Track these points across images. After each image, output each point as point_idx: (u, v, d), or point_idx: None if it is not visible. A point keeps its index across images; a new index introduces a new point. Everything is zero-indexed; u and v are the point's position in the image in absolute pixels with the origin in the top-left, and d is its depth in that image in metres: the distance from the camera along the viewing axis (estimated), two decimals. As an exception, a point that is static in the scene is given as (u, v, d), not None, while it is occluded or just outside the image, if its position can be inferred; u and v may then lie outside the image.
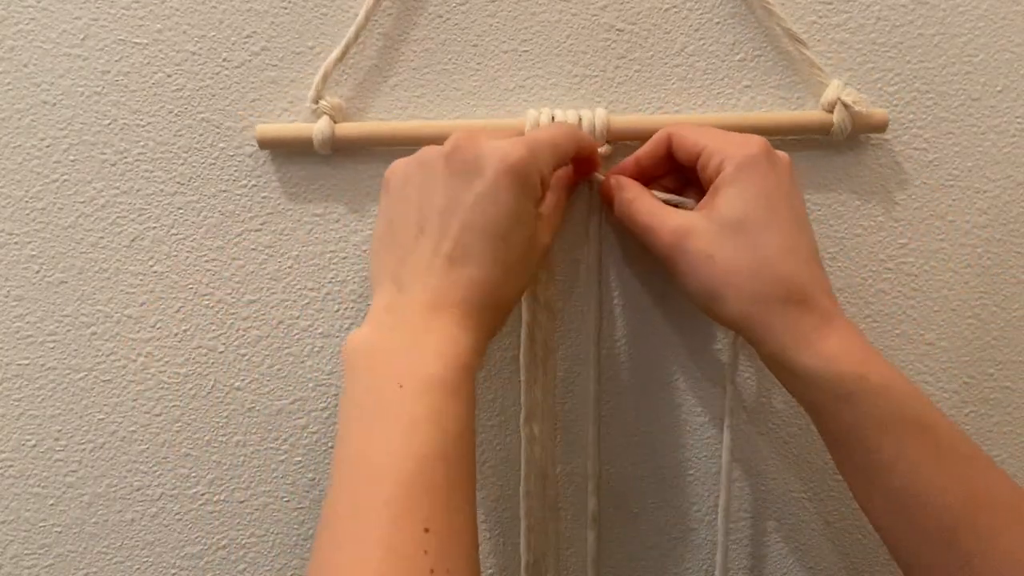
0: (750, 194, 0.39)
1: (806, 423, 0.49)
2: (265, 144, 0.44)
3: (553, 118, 0.43)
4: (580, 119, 0.43)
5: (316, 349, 0.47)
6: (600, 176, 0.44)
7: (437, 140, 0.44)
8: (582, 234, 0.46)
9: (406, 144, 0.45)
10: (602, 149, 0.44)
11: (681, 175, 0.44)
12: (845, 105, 0.44)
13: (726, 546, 0.47)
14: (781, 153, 0.40)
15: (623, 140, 0.45)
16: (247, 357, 0.47)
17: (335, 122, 0.44)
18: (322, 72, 0.44)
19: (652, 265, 0.47)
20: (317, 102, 0.44)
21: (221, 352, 0.47)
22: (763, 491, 0.49)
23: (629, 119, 0.44)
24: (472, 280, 0.36)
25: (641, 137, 0.44)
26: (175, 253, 0.46)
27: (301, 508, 0.48)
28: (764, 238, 0.38)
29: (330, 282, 0.47)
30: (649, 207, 0.41)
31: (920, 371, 0.48)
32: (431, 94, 0.45)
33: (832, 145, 0.46)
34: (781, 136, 0.45)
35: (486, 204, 0.36)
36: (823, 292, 0.39)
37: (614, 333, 0.47)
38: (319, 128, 0.43)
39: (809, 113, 0.45)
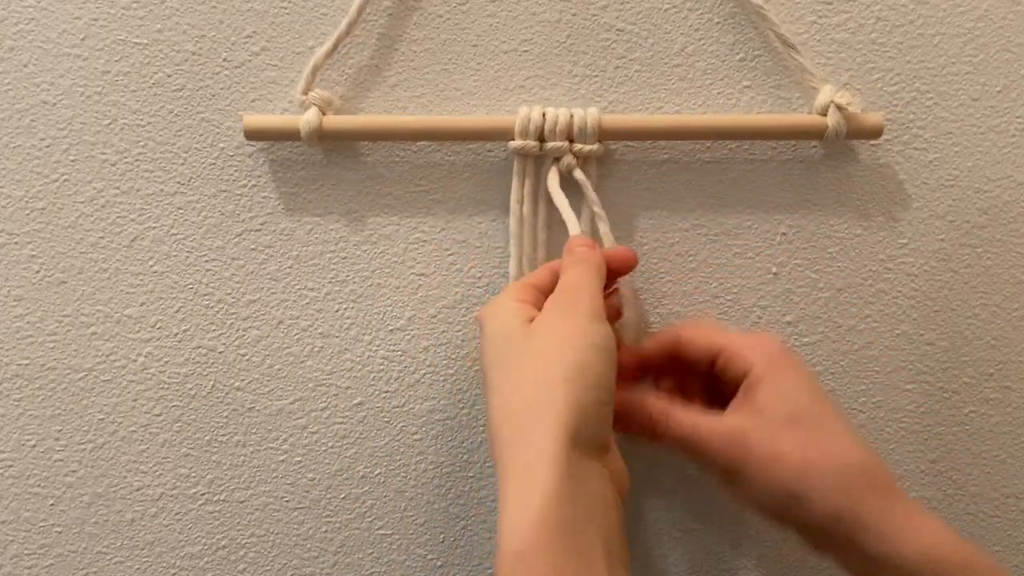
0: (791, 386, 0.38)
1: (806, 423, 0.49)
2: (251, 135, 0.44)
3: (545, 115, 0.43)
4: (572, 116, 0.43)
5: (316, 349, 0.47)
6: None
7: (425, 135, 0.44)
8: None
9: (395, 138, 0.45)
10: (594, 147, 0.44)
11: (678, 375, 0.43)
12: (839, 107, 0.43)
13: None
14: (795, 351, 0.41)
15: (614, 140, 0.45)
16: (247, 357, 0.47)
17: (323, 114, 0.44)
18: (311, 65, 0.44)
19: (651, 266, 0.47)
20: (306, 94, 0.44)
21: (221, 352, 0.47)
22: (763, 491, 0.49)
23: (620, 118, 0.44)
24: (493, 415, 0.35)
25: (632, 136, 0.44)
26: (175, 253, 0.46)
27: (301, 508, 0.48)
28: (824, 427, 0.37)
29: (330, 282, 0.47)
30: (691, 417, 0.38)
31: (920, 371, 0.48)
32: (431, 93, 0.45)
33: (833, 144, 0.46)
34: (775, 140, 0.45)
35: (480, 349, 0.38)
36: (892, 476, 0.37)
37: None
38: (306, 119, 0.43)
39: (803, 117, 0.45)
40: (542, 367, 0.34)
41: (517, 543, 0.31)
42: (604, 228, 0.43)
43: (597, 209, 0.44)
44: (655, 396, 0.40)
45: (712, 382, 0.42)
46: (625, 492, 0.37)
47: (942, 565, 0.34)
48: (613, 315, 0.43)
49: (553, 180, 0.44)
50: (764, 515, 0.38)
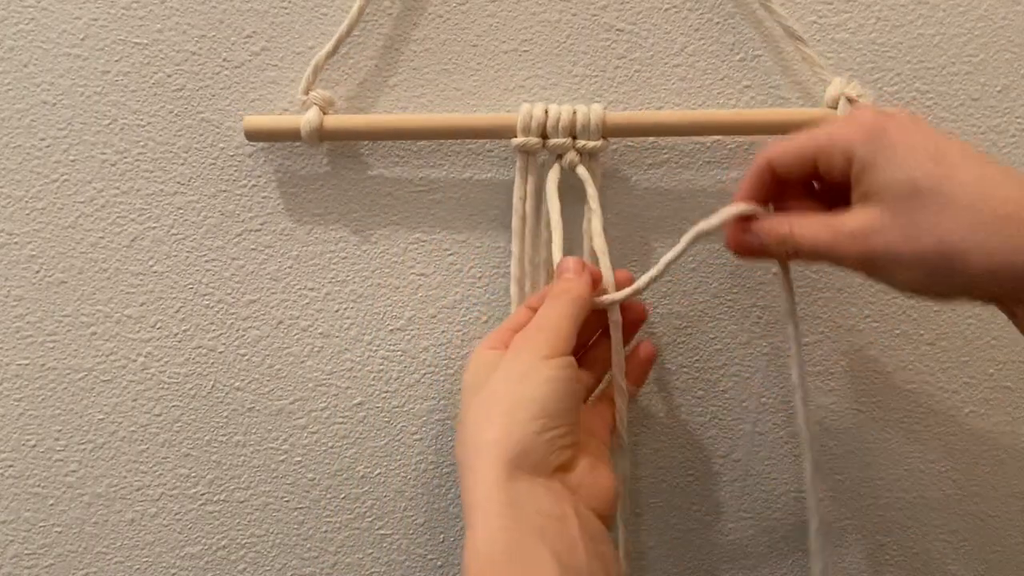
0: (900, 159, 0.33)
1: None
2: (252, 135, 0.44)
3: (547, 112, 0.43)
4: (575, 113, 0.43)
5: (316, 349, 0.47)
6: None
7: (427, 134, 0.44)
8: (578, 233, 0.46)
9: (396, 138, 0.45)
10: (597, 143, 0.44)
11: (797, 193, 0.40)
12: (849, 100, 0.43)
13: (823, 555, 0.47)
14: (892, 109, 0.37)
15: (618, 136, 0.45)
16: (247, 357, 0.47)
17: (324, 114, 0.44)
18: (312, 65, 0.44)
19: (651, 264, 0.47)
20: (307, 94, 0.44)
21: (221, 352, 0.47)
22: (763, 491, 0.49)
23: (624, 114, 0.44)
24: (456, 455, 0.38)
25: (637, 133, 0.44)
26: (175, 253, 0.46)
27: (301, 508, 0.48)
28: (948, 189, 0.32)
29: (330, 282, 0.47)
30: (814, 230, 0.36)
31: (920, 371, 0.48)
32: (432, 93, 0.45)
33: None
34: (783, 135, 0.45)
35: None
36: None
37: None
38: (307, 119, 0.43)
39: (813, 111, 0.45)
40: (486, 404, 0.36)
41: (473, 573, 0.33)
42: (596, 225, 0.43)
43: (594, 205, 0.43)
44: (776, 218, 0.38)
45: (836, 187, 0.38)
46: (605, 502, 0.37)
47: None
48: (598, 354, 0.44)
49: (552, 182, 0.44)
50: (915, 294, 0.35)
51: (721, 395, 0.48)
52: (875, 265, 0.34)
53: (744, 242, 0.39)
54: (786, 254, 0.38)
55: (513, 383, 0.36)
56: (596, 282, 0.41)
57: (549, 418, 0.36)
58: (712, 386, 0.48)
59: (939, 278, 0.33)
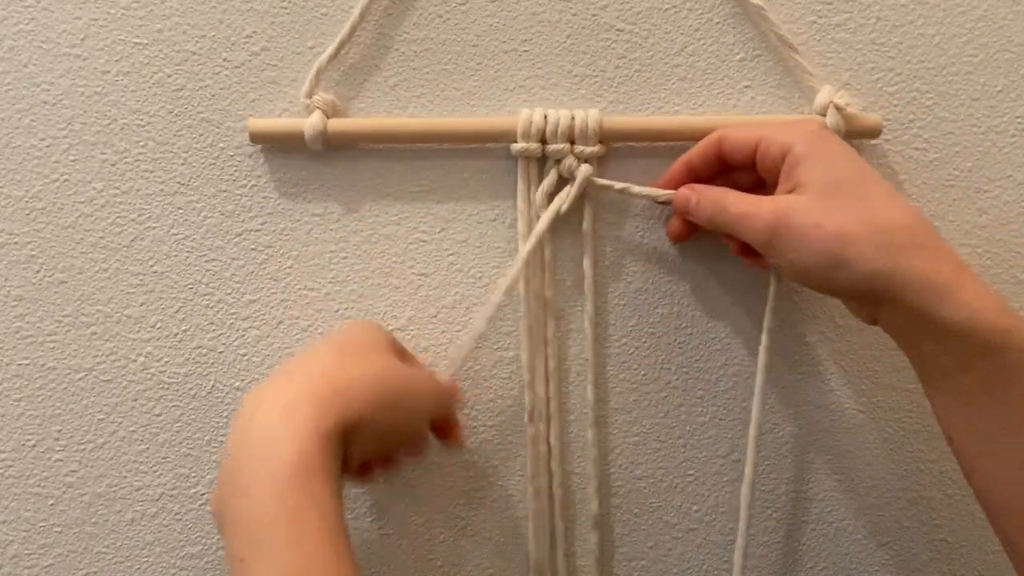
0: (831, 159, 0.39)
1: (804, 422, 0.49)
2: (257, 138, 0.44)
3: (546, 117, 0.43)
4: (573, 118, 0.43)
5: (316, 349, 0.47)
6: (661, 192, 0.44)
7: (429, 138, 0.44)
8: (578, 233, 0.46)
9: (399, 141, 0.45)
10: (595, 149, 0.44)
11: (729, 180, 0.43)
12: (838, 108, 0.44)
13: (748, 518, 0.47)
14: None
15: (616, 141, 0.45)
16: (247, 357, 0.47)
17: (328, 117, 0.44)
18: (315, 68, 0.44)
19: (652, 264, 0.47)
20: (310, 97, 0.44)
21: (221, 352, 0.47)
22: (762, 491, 0.49)
23: (622, 119, 0.45)
24: None
25: (633, 138, 0.45)
26: (175, 253, 0.46)
27: (301, 508, 0.48)
28: (865, 194, 0.37)
29: (330, 282, 0.47)
30: (739, 199, 0.40)
31: (920, 371, 0.48)
32: (431, 94, 0.45)
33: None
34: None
35: None
36: (940, 238, 0.37)
37: (613, 333, 0.47)
38: (311, 123, 0.43)
39: (802, 118, 0.45)
40: None
41: None
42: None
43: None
44: (708, 188, 0.42)
45: (761, 180, 0.43)
46: None
47: (986, 328, 0.34)
48: None
49: (544, 188, 0.44)
50: (809, 284, 0.40)
51: (721, 395, 0.48)
52: (782, 237, 0.38)
53: (686, 200, 0.42)
54: (711, 218, 0.41)
55: None
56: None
57: None
58: (712, 386, 0.48)
59: (831, 261, 0.37)
